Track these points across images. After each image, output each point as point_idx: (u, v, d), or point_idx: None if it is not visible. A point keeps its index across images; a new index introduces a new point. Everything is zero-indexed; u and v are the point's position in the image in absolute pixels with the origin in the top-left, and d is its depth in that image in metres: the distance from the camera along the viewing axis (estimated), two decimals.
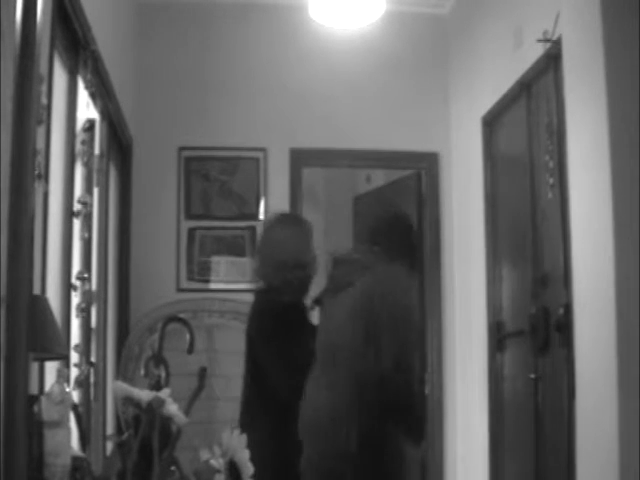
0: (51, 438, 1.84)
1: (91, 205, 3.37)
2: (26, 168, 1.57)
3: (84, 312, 3.24)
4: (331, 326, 2.95)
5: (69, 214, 3.12)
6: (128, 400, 1.92)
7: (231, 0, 5.04)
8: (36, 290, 2.40)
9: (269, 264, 3.16)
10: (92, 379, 3.45)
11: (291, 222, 3.33)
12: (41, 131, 2.42)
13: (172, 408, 1.91)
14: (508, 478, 4.16)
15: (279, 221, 3.33)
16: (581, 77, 2.79)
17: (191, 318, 4.33)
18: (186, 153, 4.98)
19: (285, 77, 5.05)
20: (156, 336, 2.65)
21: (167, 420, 1.90)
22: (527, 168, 3.83)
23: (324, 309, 3.02)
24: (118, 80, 3.96)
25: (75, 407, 2.12)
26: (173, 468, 1.92)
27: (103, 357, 3.93)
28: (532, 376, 3.66)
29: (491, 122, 4.44)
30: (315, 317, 3.15)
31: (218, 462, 1.90)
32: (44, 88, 2.44)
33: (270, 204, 4.99)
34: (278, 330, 3.07)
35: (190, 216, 4.96)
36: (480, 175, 4.52)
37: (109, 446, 2.49)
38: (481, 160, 4.52)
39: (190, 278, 4.90)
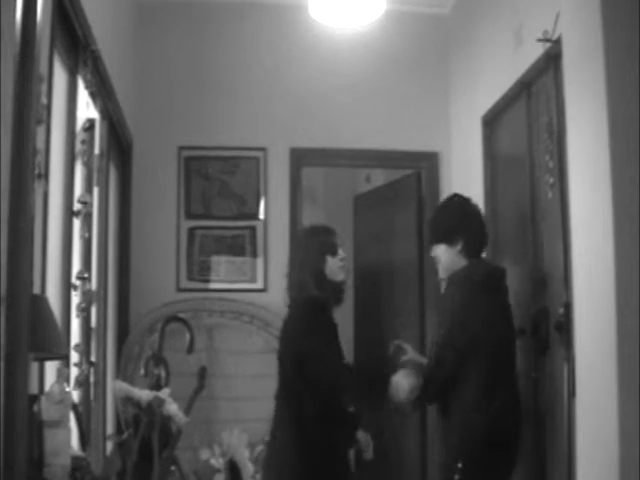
0: (51, 438, 1.84)
1: (91, 205, 3.37)
2: (26, 168, 1.57)
3: (84, 312, 3.24)
4: None
5: (69, 214, 3.12)
6: (128, 400, 1.92)
7: (231, 0, 5.04)
8: (36, 290, 2.40)
9: (293, 282, 3.50)
10: (92, 379, 3.45)
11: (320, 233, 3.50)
12: (41, 131, 2.42)
13: (172, 408, 1.91)
14: None
15: (308, 233, 3.55)
16: (581, 77, 2.79)
17: (191, 318, 4.33)
18: (186, 153, 4.98)
19: (285, 77, 5.05)
20: (156, 336, 2.65)
21: (167, 420, 1.91)
22: (527, 168, 3.83)
23: None
24: (118, 80, 3.96)
25: (75, 407, 2.12)
26: (173, 468, 1.92)
27: (103, 357, 3.93)
28: (532, 376, 3.66)
29: (491, 122, 4.44)
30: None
31: (218, 462, 1.90)
32: (44, 88, 2.44)
33: (270, 204, 4.99)
34: (317, 326, 3.31)
35: (190, 216, 4.96)
36: (480, 175, 4.52)
37: (109, 446, 2.49)
38: (481, 160, 4.52)
39: (190, 278, 4.90)
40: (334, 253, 3.43)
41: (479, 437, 3.09)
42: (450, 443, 3.22)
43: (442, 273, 3.46)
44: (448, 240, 3.37)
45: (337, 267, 3.44)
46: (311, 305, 3.40)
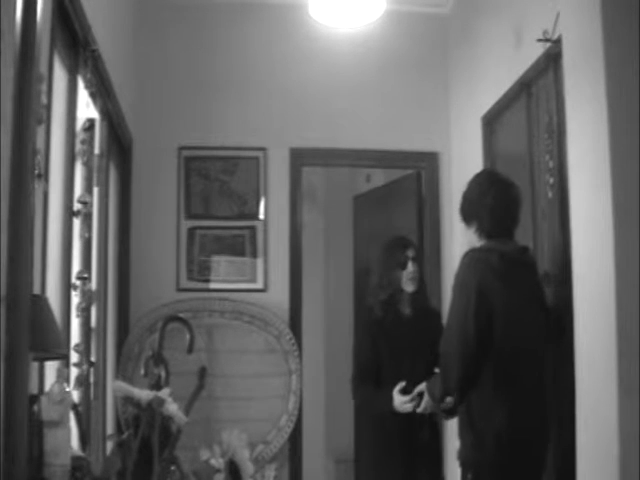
0: (51, 438, 1.84)
1: (91, 205, 3.37)
2: (26, 168, 1.57)
3: (84, 312, 3.24)
4: None
5: (69, 214, 3.12)
6: (128, 400, 1.92)
7: (231, 0, 5.04)
8: (36, 290, 2.40)
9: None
10: (92, 379, 3.45)
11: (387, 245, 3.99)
12: (41, 131, 2.41)
13: (172, 407, 1.91)
14: None
15: (384, 247, 4.00)
16: (581, 77, 2.79)
17: (191, 318, 4.34)
18: (186, 153, 4.98)
19: (285, 77, 5.05)
20: (156, 336, 2.65)
21: (167, 420, 1.90)
22: (527, 168, 3.83)
23: None
24: (118, 80, 3.96)
25: (75, 407, 2.12)
26: (173, 467, 1.92)
27: (103, 357, 3.93)
28: None
29: (491, 122, 4.44)
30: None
31: (218, 461, 1.90)
32: (44, 88, 2.43)
33: (270, 204, 4.99)
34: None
35: (190, 216, 4.96)
36: None
37: (109, 446, 2.49)
38: (481, 160, 4.52)
39: (190, 278, 4.90)
40: (404, 267, 3.83)
41: (488, 445, 2.97)
42: (460, 453, 3.12)
43: None
44: (465, 221, 3.28)
45: (406, 280, 3.86)
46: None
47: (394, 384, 3.70)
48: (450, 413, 3.48)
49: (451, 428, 3.90)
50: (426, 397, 3.47)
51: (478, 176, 3.40)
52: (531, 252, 3.33)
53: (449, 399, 3.28)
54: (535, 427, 3.03)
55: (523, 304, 3.10)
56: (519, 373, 3.02)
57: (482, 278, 3.04)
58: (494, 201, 3.18)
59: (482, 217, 3.19)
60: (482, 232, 3.19)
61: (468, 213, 3.26)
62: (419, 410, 3.53)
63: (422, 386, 3.49)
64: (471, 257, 3.14)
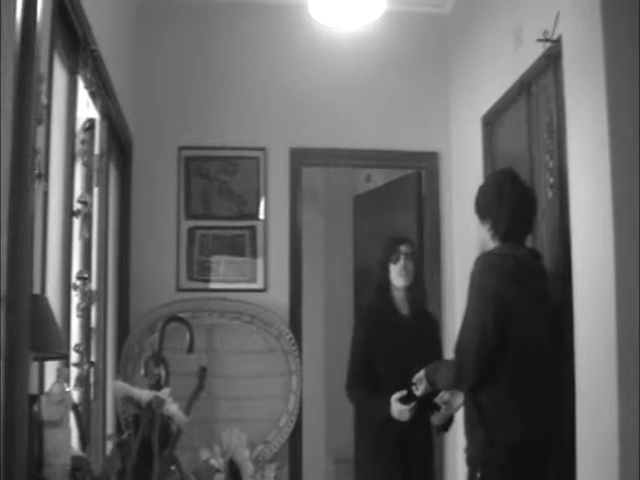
0: (51, 438, 1.84)
1: (91, 205, 3.37)
2: (26, 168, 1.57)
3: (84, 312, 3.24)
4: None
5: (69, 214, 3.12)
6: (128, 400, 1.92)
7: (231, 0, 5.04)
8: (36, 290, 2.40)
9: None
10: (92, 379, 3.45)
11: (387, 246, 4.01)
12: (41, 131, 2.42)
13: (172, 408, 1.91)
14: None
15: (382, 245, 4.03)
16: (581, 77, 2.79)
17: (191, 318, 4.34)
18: (186, 153, 4.98)
19: (285, 77, 5.05)
20: (156, 336, 2.65)
21: (167, 420, 1.91)
22: (527, 168, 3.83)
23: None
24: (118, 80, 3.96)
25: (75, 407, 2.12)
26: (173, 467, 1.92)
27: (103, 357, 3.93)
28: None
29: (491, 121, 4.44)
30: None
31: (218, 461, 1.90)
32: (44, 88, 2.44)
33: (270, 204, 4.99)
34: (357, 331, 4.00)
35: (190, 216, 4.96)
36: (480, 175, 4.52)
37: (109, 446, 2.49)
38: (481, 160, 4.52)
39: (190, 278, 4.90)
40: (395, 261, 3.89)
41: (499, 446, 2.97)
42: (469, 452, 3.11)
43: (478, 250, 3.33)
44: (480, 217, 3.26)
45: (396, 274, 3.89)
46: (362, 313, 4.12)
47: (390, 385, 3.69)
48: (443, 428, 3.83)
49: (452, 429, 3.90)
50: (425, 383, 3.47)
51: (500, 174, 3.39)
52: (542, 257, 3.32)
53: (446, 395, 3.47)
54: (547, 432, 3.02)
55: (537, 310, 3.12)
56: (533, 378, 3.03)
57: (499, 283, 3.06)
58: (513, 206, 3.18)
59: (498, 219, 3.18)
60: (496, 233, 3.19)
61: (484, 210, 3.26)
62: (418, 394, 3.52)
63: (420, 374, 3.49)
64: (486, 261, 3.14)
